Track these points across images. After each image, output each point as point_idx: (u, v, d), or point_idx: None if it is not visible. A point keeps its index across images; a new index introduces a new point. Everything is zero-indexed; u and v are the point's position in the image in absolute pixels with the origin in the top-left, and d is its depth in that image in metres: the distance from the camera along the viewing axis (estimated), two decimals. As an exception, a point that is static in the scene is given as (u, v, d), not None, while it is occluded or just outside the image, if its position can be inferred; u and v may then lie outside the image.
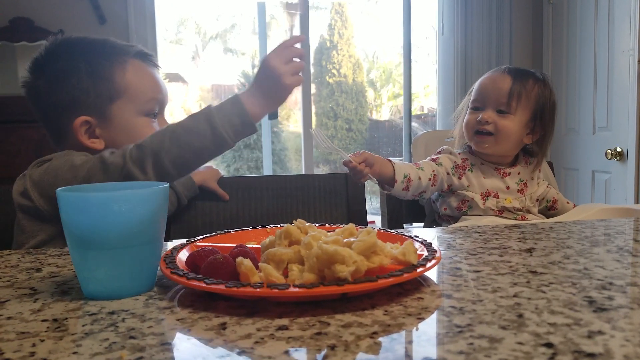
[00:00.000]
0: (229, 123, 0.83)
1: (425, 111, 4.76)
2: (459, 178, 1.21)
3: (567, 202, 1.32)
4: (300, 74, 0.87)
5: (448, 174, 1.21)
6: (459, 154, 1.26)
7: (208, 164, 0.94)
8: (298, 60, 0.87)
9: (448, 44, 3.05)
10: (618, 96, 2.44)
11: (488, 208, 1.18)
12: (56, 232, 0.88)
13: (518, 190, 1.22)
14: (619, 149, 2.44)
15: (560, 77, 2.85)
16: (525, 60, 3.08)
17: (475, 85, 1.26)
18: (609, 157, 2.48)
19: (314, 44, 4.74)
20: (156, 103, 0.99)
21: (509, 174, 1.23)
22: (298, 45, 0.89)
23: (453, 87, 3.04)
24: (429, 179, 1.17)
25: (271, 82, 0.85)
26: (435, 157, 1.25)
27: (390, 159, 1.16)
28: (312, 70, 3.22)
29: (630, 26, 2.32)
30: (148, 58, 1.01)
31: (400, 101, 3.25)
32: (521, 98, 1.19)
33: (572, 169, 2.83)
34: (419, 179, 1.15)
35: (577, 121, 2.73)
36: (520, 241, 0.73)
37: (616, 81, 2.45)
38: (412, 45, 3.26)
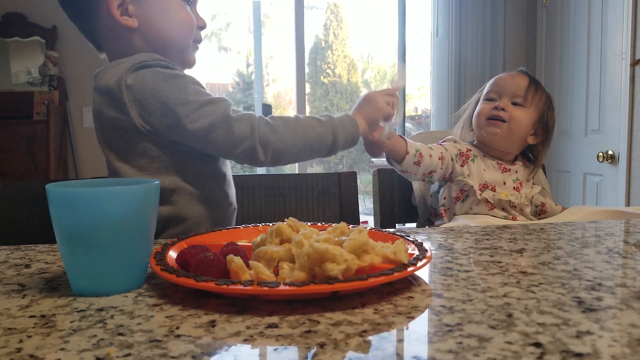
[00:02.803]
0: (345, 139, 0.92)
1: (419, 112, 4.77)
2: (462, 165, 1.23)
3: (556, 205, 1.33)
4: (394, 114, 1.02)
5: (452, 159, 1.23)
6: (463, 144, 1.28)
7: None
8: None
9: (442, 45, 3.06)
10: (610, 99, 2.46)
11: (484, 199, 1.20)
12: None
13: (514, 188, 1.24)
14: (610, 152, 2.45)
15: (554, 79, 2.87)
16: (519, 62, 3.10)
17: (490, 82, 1.31)
18: (601, 160, 2.50)
19: (308, 44, 4.74)
20: None
21: (509, 170, 1.25)
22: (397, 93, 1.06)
23: (447, 88, 3.05)
24: (439, 158, 1.19)
25: (373, 108, 0.98)
26: (440, 142, 1.27)
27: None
28: (306, 70, 3.21)
29: (623, 30, 2.34)
30: None
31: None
32: (536, 96, 1.24)
33: (564, 171, 2.85)
34: (430, 156, 1.17)
35: (570, 124, 2.75)
36: (511, 242, 0.73)
37: (608, 84, 2.47)
38: (406, 46, 3.27)
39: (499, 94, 1.25)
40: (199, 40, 0.98)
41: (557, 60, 2.88)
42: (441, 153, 1.20)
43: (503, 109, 1.22)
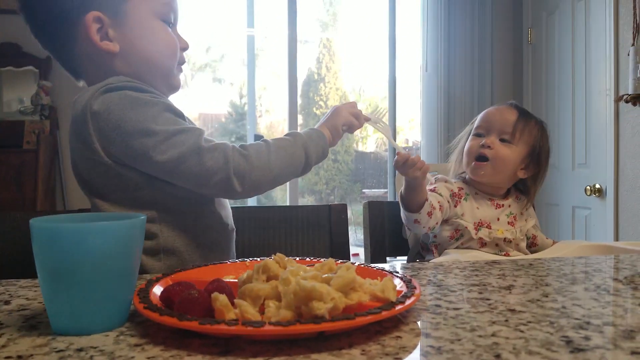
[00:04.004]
0: (316, 153, 0.90)
1: (410, 144, 4.82)
2: (455, 206, 1.22)
3: (547, 238, 1.33)
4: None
5: (448, 202, 1.21)
6: (454, 182, 1.27)
7: None
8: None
9: (432, 80, 3.11)
10: (596, 134, 2.50)
11: (480, 239, 1.19)
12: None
13: (508, 222, 1.23)
14: (598, 186, 2.48)
15: (540, 114, 2.91)
16: (506, 97, 3.15)
17: (480, 115, 1.30)
18: (589, 193, 2.52)
19: (301, 77, 4.79)
20: (171, 10, 0.91)
21: (502, 205, 1.25)
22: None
23: (436, 121, 3.09)
24: (439, 209, 1.17)
25: (337, 118, 0.98)
26: (432, 187, 1.25)
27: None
28: (299, 101, 3.25)
29: (606, 67, 2.40)
30: None
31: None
32: (524, 131, 1.23)
33: (553, 205, 2.86)
34: (434, 208, 1.15)
35: (558, 157, 2.79)
36: (499, 278, 0.73)
37: (594, 119, 2.52)
38: (397, 80, 3.32)
39: (487, 130, 1.25)
40: (182, 61, 0.95)
41: (543, 95, 2.93)
42: (439, 202, 1.18)
43: (489, 147, 1.21)
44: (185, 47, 0.95)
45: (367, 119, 1.08)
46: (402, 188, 1.15)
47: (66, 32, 0.85)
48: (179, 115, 0.84)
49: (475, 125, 1.29)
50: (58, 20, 0.85)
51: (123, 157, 0.80)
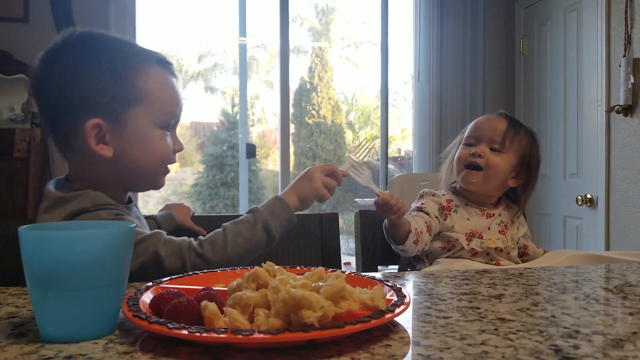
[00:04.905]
0: (281, 226, 0.92)
1: (402, 153, 4.84)
2: (444, 219, 1.22)
3: (538, 248, 1.33)
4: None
5: (437, 217, 1.21)
6: (443, 194, 1.27)
7: (177, 200, 0.94)
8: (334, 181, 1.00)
9: (424, 90, 3.13)
10: (587, 144, 2.52)
11: (472, 249, 1.19)
12: None
13: (499, 231, 1.23)
14: (589, 196, 2.50)
15: (532, 124, 2.94)
16: (498, 107, 3.17)
17: (470, 125, 1.30)
18: (580, 203, 2.54)
19: (293, 86, 4.81)
20: (173, 117, 0.93)
21: (492, 215, 1.25)
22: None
23: (428, 131, 3.11)
24: (427, 230, 1.17)
25: (308, 187, 0.96)
26: (419, 204, 1.24)
27: None
28: (291, 110, 3.25)
29: (598, 78, 2.42)
30: (169, 67, 0.93)
31: (378, 143, 3.29)
32: (514, 140, 1.23)
33: (544, 214, 2.88)
34: (421, 233, 1.15)
35: (549, 167, 2.81)
36: (490, 287, 0.73)
37: (585, 130, 2.54)
38: (389, 90, 3.34)
39: (477, 139, 1.25)
40: (172, 162, 0.96)
41: (535, 106, 2.96)
42: (425, 223, 1.18)
43: (480, 156, 1.22)
44: (179, 149, 0.96)
45: (346, 175, 1.05)
46: (385, 222, 1.15)
47: (69, 127, 0.87)
48: (142, 223, 0.87)
49: (465, 135, 1.29)
50: (63, 117, 0.87)
51: None
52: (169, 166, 0.96)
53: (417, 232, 1.14)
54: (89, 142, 0.84)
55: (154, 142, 0.89)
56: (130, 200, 0.97)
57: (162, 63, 0.92)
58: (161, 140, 0.90)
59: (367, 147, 1.10)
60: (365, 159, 1.09)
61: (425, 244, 1.17)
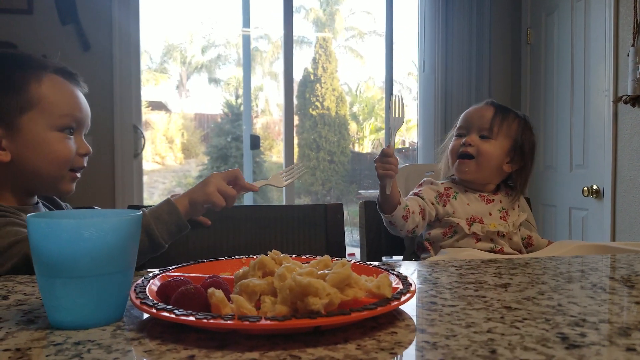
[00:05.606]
0: (167, 231, 0.88)
1: (407, 145, 4.83)
2: (444, 206, 1.24)
3: (542, 239, 1.34)
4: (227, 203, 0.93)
5: (433, 204, 1.24)
6: (442, 183, 1.29)
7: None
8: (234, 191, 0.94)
9: (429, 81, 3.11)
10: (594, 135, 2.51)
11: (473, 233, 1.20)
12: None
13: (500, 217, 1.24)
14: (595, 187, 2.49)
15: (538, 115, 2.93)
16: (504, 98, 3.16)
17: (461, 116, 1.33)
18: (586, 194, 2.53)
19: (297, 77, 4.80)
20: (73, 120, 0.95)
21: (492, 200, 1.27)
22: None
23: (434, 122, 3.10)
24: (419, 213, 1.20)
25: (200, 191, 0.92)
26: (417, 190, 1.28)
27: None
28: (295, 102, 3.24)
29: (605, 67, 2.40)
30: (71, 76, 0.97)
31: (382, 135, 3.28)
32: (502, 125, 1.25)
33: (550, 205, 2.87)
34: (413, 212, 1.18)
35: (555, 158, 2.79)
36: (495, 276, 0.73)
37: (592, 120, 2.52)
38: (394, 81, 3.33)
39: (467, 129, 1.28)
40: (79, 167, 0.97)
41: (541, 96, 2.94)
42: (419, 206, 1.21)
43: (470, 145, 1.24)
44: (86, 153, 0.97)
45: (255, 190, 0.97)
46: (379, 197, 1.17)
47: None
48: (18, 223, 0.86)
49: (456, 127, 1.32)
50: None
51: None
52: (78, 173, 0.97)
53: (408, 210, 1.17)
54: None
55: (52, 144, 0.91)
56: (37, 202, 0.99)
57: (61, 72, 0.95)
58: (59, 143, 0.92)
59: (296, 174, 1.04)
60: (287, 183, 1.03)
61: (417, 226, 1.20)
